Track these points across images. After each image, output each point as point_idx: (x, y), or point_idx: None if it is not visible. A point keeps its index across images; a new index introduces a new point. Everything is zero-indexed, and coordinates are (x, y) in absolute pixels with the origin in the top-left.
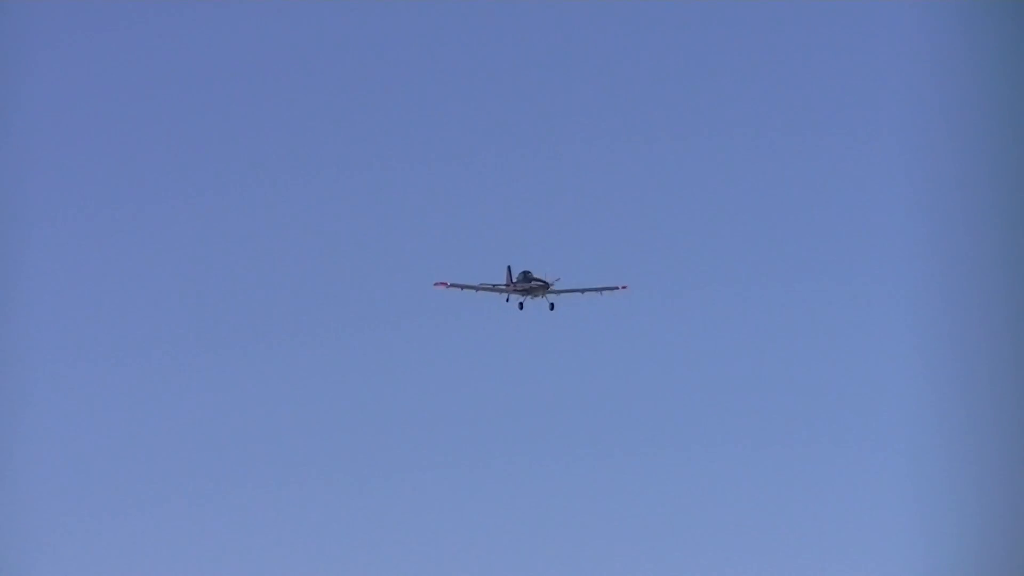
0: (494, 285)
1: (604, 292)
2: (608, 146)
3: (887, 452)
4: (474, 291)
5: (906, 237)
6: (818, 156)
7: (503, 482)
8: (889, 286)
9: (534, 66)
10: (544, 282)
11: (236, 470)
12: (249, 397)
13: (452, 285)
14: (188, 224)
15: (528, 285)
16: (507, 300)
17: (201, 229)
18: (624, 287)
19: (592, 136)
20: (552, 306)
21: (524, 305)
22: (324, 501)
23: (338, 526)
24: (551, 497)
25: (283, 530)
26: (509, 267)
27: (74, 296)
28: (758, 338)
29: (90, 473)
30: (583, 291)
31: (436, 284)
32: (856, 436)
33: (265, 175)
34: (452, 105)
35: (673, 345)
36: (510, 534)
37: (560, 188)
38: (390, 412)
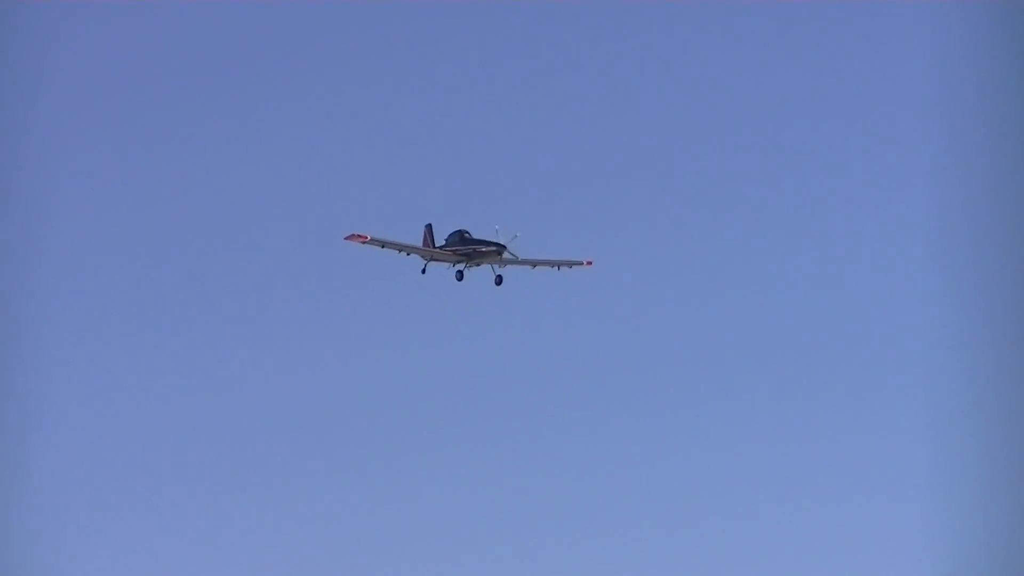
0: (434, 247)
1: (563, 267)
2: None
3: (879, 446)
4: (397, 251)
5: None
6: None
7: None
8: (867, 266)
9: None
10: (496, 244)
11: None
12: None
13: (372, 240)
14: None
15: (471, 248)
16: (423, 271)
17: None
18: (588, 262)
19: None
20: (500, 280)
21: (464, 275)
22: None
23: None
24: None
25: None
26: (430, 225)
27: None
28: (737, 326)
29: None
30: (534, 264)
31: (349, 237)
32: (840, 424)
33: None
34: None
35: (642, 329)
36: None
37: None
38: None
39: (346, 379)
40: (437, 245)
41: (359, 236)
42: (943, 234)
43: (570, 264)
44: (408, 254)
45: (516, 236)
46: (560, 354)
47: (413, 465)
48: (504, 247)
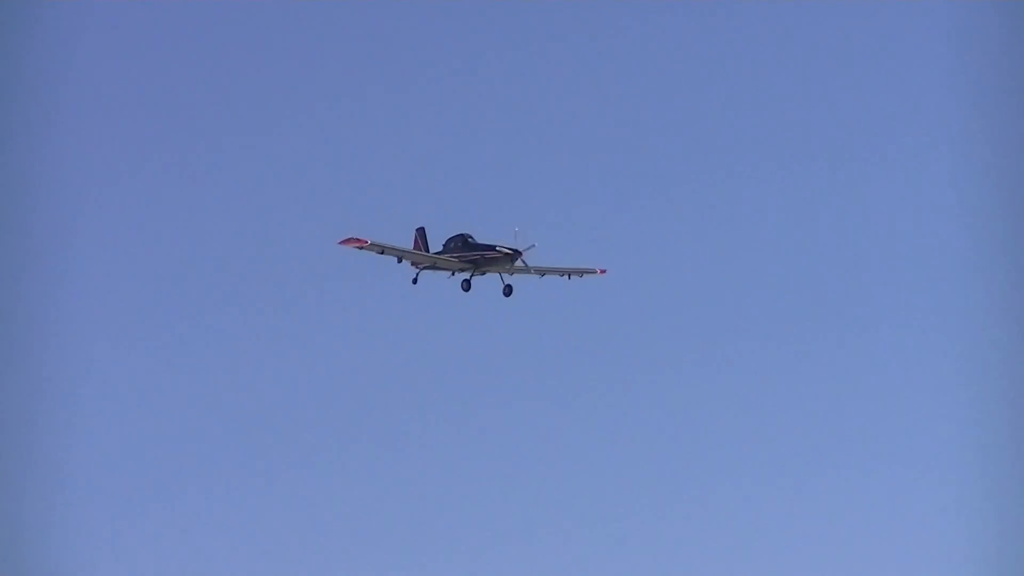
0: (433, 253)
1: (573, 276)
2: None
3: (883, 453)
4: (397, 258)
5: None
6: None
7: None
8: (889, 282)
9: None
10: (511, 250)
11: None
12: None
13: (371, 245)
14: None
15: (479, 254)
16: (415, 281)
17: None
18: (602, 271)
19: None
20: (510, 290)
21: (471, 284)
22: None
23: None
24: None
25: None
26: (422, 229)
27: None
28: (753, 337)
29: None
30: (543, 272)
31: (345, 242)
32: (855, 436)
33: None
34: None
35: (657, 340)
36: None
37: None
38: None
39: (343, 392)
40: (434, 251)
41: (356, 240)
42: (976, 235)
43: (582, 273)
44: (411, 262)
45: (533, 246)
46: (574, 366)
47: (419, 478)
48: (520, 253)
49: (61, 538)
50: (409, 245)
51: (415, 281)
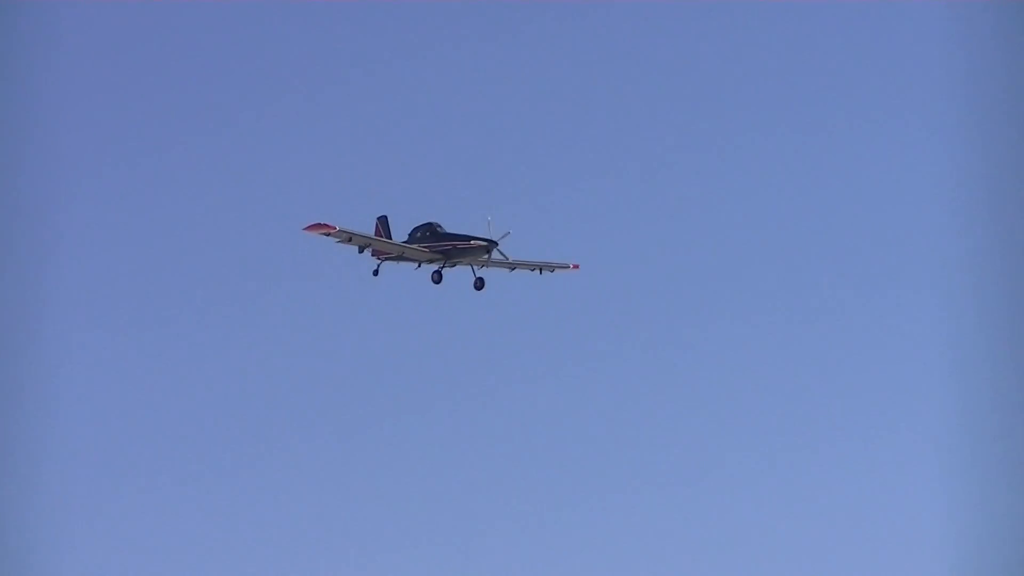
0: (401, 242)
1: (545, 270)
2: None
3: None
4: (359, 249)
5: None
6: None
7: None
8: (873, 275)
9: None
10: (486, 240)
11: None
12: None
13: (340, 231)
14: None
15: (451, 244)
16: (376, 272)
17: None
18: (575, 266)
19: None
20: (481, 283)
21: (442, 276)
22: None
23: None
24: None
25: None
26: (384, 218)
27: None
28: (731, 333)
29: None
30: (514, 266)
31: (309, 228)
32: (844, 431)
33: None
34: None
35: (633, 338)
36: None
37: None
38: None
39: (310, 388)
40: (403, 241)
41: (323, 226)
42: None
43: (553, 268)
44: (371, 252)
45: (508, 233)
46: (548, 361)
47: (390, 474)
48: (495, 244)
49: (52, 537)
50: (371, 234)
51: (376, 273)
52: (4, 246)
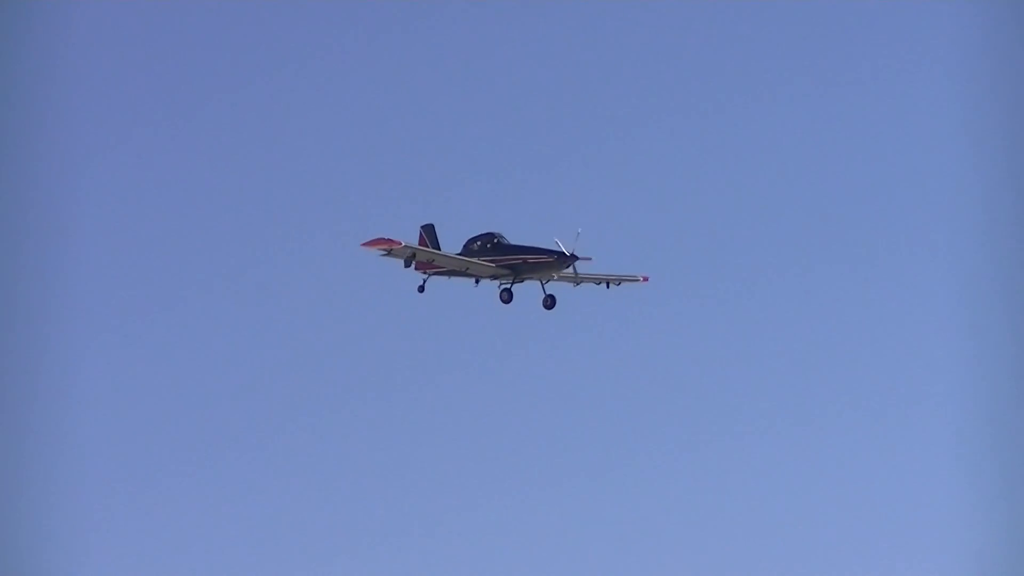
0: (465, 257)
1: (613, 284)
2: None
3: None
4: (404, 262)
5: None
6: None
7: None
8: (920, 285)
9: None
10: (561, 254)
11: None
12: None
13: (405, 247)
14: None
15: (521, 258)
16: (421, 289)
17: None
18: (645, 278)
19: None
20: (552, 301)
21: (512, 294)
22: None
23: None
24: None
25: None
26: (431, 226)
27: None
28: (788, 343)
29: None
30: (579, 280)
31: (369, 243)
32: (882, 437)
33: None
34: None
35: (697, 349)
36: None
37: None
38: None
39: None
40: (457, 253)
41: (387, 241)
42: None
43: (620, 280)
44: (415, 266)
45: (580, 233)
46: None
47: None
48: (576, 258)
49: (54, 536)
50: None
51: (422, 289)
52: (15, 245)
